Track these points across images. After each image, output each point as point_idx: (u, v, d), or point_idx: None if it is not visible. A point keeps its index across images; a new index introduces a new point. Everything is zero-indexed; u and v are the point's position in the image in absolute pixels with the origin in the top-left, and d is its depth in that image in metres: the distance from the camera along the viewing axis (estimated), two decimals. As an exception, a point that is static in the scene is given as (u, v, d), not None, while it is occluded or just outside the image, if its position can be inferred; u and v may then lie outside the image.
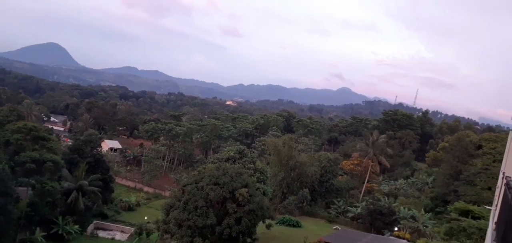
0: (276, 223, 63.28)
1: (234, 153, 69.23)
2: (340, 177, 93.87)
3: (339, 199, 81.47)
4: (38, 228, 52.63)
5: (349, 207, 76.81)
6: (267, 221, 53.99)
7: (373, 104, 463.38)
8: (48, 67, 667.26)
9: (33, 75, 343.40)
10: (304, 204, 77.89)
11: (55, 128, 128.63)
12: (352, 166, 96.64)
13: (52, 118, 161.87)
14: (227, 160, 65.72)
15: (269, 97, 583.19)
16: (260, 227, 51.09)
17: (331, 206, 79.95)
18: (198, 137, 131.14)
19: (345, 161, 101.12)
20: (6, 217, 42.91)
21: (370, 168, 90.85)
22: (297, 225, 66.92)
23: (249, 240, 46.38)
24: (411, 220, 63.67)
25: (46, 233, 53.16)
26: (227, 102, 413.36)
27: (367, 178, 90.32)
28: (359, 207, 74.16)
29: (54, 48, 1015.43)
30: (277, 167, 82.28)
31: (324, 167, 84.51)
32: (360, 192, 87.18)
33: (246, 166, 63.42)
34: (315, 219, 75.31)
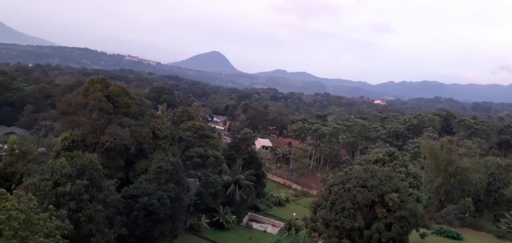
0: (432, 233, 58.81)
1: (383, 155, 66.40)
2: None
3: (511, 212, 70.48)
4: (203, 215, 60.43)
5: (525, 223, 65.78)
6: (421, 230, 50.41)
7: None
8: (211, 73, 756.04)
9: (200, 81, 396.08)
10: (466, 215, 70.01)
11: (217, 127, 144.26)
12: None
13: (214, 119, 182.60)
14: (376, 162, 63.41)
15: (424, 95, 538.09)
16: (413, 236, 47.89)
17: (501, 219, 70.86)
18: (345, 137, 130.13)
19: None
20: (179, 204, 50.57)
21: (556, 178, 75.90)
22: (457, 237, 60.73)
23: (400, 248, 43.76)
24: None
25: (209, 221, 60.67)
26: (376, 102, 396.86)
27: (552, 190, 75.59)
28: (540, 224, 62.80)
29: (216, 56, 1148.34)
30: (434, 172, 76.61)
31: (492, 174, 75.96)
32: (542, 207, 73.72)
33: (396, 170, 60.13)
34: (480, 233, 66.99)
